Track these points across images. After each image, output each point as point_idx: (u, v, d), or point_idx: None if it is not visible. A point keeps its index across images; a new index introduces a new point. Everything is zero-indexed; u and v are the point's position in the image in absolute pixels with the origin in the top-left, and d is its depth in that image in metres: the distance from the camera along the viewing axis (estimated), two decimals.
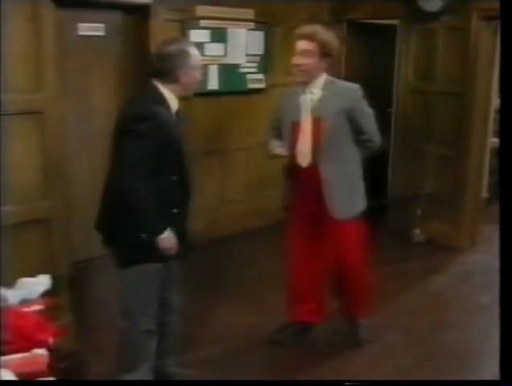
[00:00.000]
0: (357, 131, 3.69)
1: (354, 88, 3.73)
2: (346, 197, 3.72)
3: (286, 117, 3.81)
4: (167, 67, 3.02)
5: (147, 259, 3.06)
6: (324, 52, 3.62)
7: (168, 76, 3.03)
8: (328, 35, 3.64)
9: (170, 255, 3.08)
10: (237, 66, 5.95)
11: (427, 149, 6.15)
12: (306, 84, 3.70)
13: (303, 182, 3.81)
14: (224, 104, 5.86)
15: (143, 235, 2.99)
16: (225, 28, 5.77)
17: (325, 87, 3.69)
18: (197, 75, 3.13)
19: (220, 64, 5.78)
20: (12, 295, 3.22)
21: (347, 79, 6.30)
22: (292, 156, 3.77)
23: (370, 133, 3.73)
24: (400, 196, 6.42)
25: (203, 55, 5.14)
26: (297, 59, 3.64)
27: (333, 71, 6.16)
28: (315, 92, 3.69)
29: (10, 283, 3.38)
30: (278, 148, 3.79)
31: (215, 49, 5.69)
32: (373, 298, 4.09)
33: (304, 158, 3.73)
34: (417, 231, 6.22)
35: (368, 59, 6.91)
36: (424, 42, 6.03)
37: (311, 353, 3.98)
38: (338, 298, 4.13)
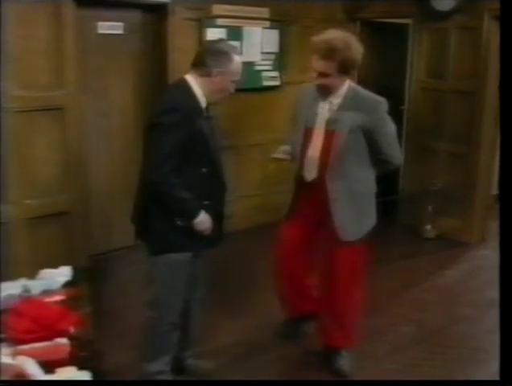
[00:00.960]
0: (375, 150, 3.36)
1: (377, 103, 3.34)
2: (354, 218, 3.40)
3: (302, 120, 3.49)
4: (205, 59, 3.02)
5: (179, 248, 3.10)
6: (345, 70, 3.23)
7: (202, 69, 3.02)
8: (349, 49, 3.18)
9: (203, 243, 3.14)
10: (252, 64, 5.98)
11: (438, 146, 6.18)
12: (327, 95, 3.37)
13: (308, 196, 3.55)
14: (239, 101, 5.81)
15: (178, 221, 3.03)
16: (240, 26, 5.81)
17: (346, 98, 3.33)
18: (231, 81, 3.09)
19: None
20: (34, 286, 3.25)
21: (360, 77, 6.35)
22: (300, 166, 3.50)
23: (389, 153, 3.39)
24: (412, 192, 6.46)
25: None
26: (315, 79, 3.28)
27: None
28: (334, 103, 3.35)
29: (32, 274, 3.43)
30: (280, 153, 3.62)
31: None
32: (358, 330, 3.77)
33: (310, 171, 3.44)
34: (428, 226, 6.25)
35: (381, 57, 6.88)
36: (436, 41, 6.06)
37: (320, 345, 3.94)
38: (320, 321, 3.80)
